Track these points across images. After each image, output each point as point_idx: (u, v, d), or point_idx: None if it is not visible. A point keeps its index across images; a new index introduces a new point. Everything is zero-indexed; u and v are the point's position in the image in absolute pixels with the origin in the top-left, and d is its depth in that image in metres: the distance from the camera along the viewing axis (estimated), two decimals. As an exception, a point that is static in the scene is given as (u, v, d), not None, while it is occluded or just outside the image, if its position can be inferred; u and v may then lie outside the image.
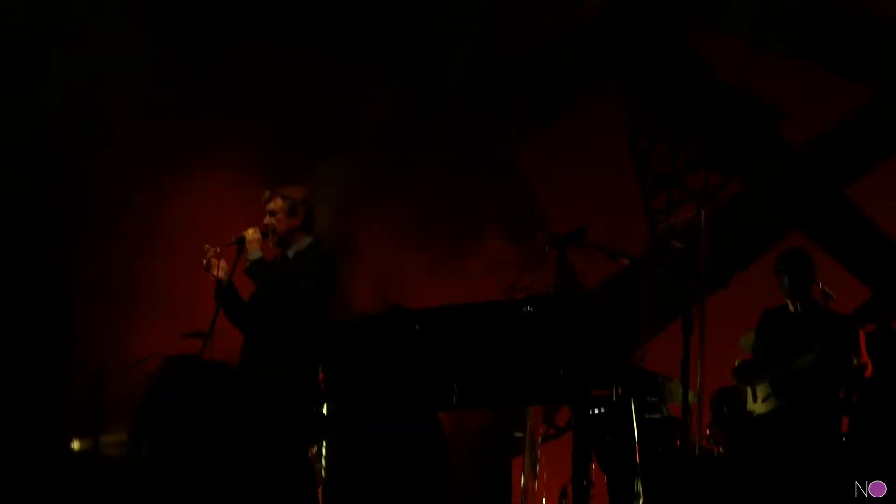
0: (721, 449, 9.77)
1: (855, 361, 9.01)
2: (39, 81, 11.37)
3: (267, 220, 8.27)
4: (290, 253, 8.27)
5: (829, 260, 11.42)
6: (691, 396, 8.45)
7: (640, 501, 8.22)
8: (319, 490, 9.39)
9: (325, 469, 8.84)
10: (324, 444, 9.42)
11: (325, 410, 8.40)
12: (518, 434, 11.12)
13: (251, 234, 8.18)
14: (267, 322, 8.13)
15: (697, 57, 12.50)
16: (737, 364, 9.61)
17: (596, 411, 8.78)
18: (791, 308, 9.31)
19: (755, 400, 9.26)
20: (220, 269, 8.16)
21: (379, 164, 12.38)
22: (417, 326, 7.94)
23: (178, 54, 11.87)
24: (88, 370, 11.21)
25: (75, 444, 11.46)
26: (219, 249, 8.18)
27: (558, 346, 7.65)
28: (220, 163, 11.39)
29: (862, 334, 9.12)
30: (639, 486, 8.27)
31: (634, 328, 11.17)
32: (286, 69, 12.07)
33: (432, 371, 7.89)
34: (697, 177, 12.42)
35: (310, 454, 8.40)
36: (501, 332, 7.86)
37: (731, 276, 11.86)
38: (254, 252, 8.15)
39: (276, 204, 8.26)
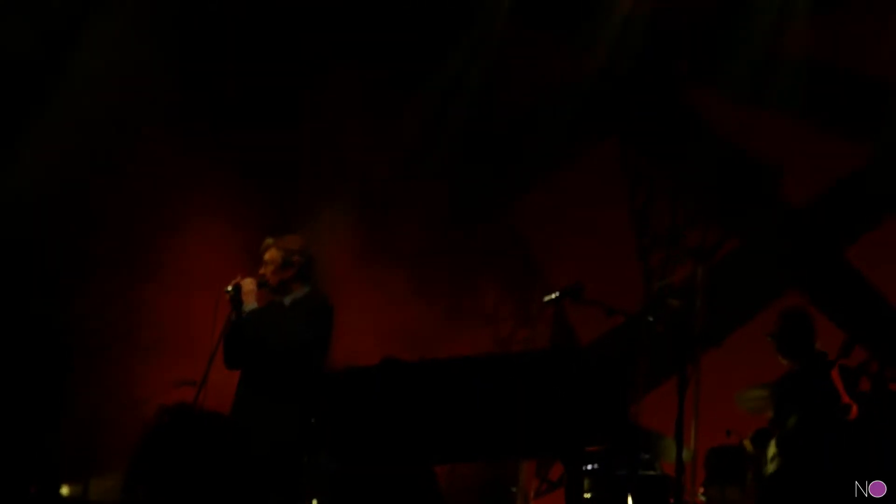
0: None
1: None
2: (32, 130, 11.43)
3: (262, 269, 8.29)
4: (287, 301, 8.28)
5: (825, 321, 11.43)
6: (685, 454, 8.42)
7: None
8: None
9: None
10: (317, 494, 9.38)
11: (319, 460, 8.37)
12: (511, 488, 11.08)
13: (247, 284, 8.19)
14: (262, 367, 8.12)
15: (696, 114, 12.55)
16: (755, 432, 9.57)
17: (589, 467, 8.75)
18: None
19: (765, 463, 9.21)
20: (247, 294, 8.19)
21: (375, 217, 12.41)
22: (411, 378, 7.93)
23: (180, 100, 11.91)
24: (82, 414, 11.19)
25: (65, 490, 11.40)
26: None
27: (553, 401, 7.63)
28: (223, 210, 11.41)
29: (836, 376, 9.02)
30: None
31: (629, 384, 11.13)
32: (290, 116, 12.14)
33: (427, 424, 7.87)
34: (695, 234, 12.44)
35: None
36: (496, 385, 7.84)
37: (726, 334, 11.85)
38: (249, 304, 8.16)
39: (272, 254, 8.28)
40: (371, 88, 12.31)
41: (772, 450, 9.07)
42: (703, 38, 12.47)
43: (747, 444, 9.47)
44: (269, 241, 8.34)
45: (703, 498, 9.81)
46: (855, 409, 8.85)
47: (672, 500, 8.98)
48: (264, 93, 12.35)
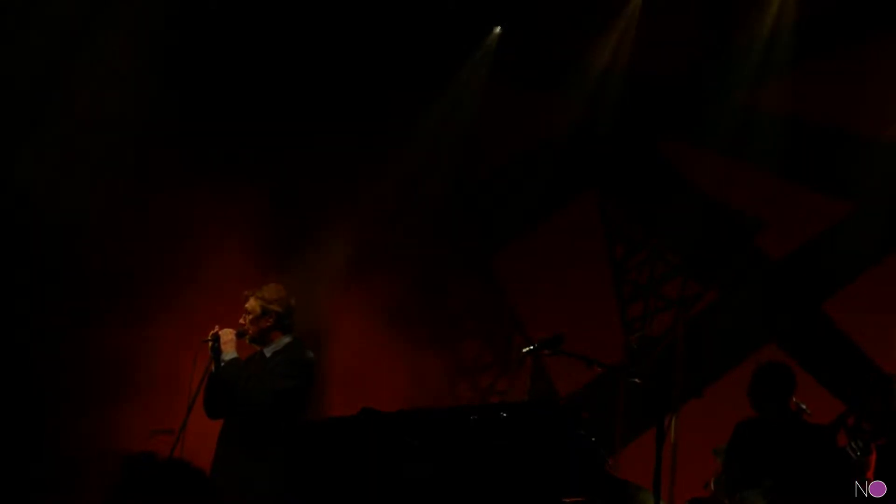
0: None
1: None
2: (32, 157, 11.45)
3: (242, 319, 8.33)
4: (268, 352, 8.30)
5: (804, 373, 11.47)
6: (663, 506, 8.41)
7: None
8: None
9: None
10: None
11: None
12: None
13: (225, 334, 8.22)
14: (242, 418, 8.12)
15: (675, 168, 12.61)
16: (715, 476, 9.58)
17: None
18: (765, 420, 9.30)
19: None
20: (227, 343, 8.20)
21: (357, 268, 12.43)
22: (389, 429, 7.93)
23: (181, 142, 11.96)
24: (59, 459, 11.15)
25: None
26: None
27: (530, 453, 7.64)
28: (215, 260, 11.44)
29: (874, 448, 9.06)
30: None
31: (608, 436, 11.15)
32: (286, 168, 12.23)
33: (404, 475, 7.87)
34: (674, 286, 12.48)
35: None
36: (474, 437, 7.85)
37: (705, 386, 11.87)
38: (228, 353, 8.18)
39: (251, 304, 8.33)
40: (352, 146, 12.38)
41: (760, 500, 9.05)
42: (682, 92, 12.55)
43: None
44: (249, 291, 8.39)
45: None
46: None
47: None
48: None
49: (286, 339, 8.32)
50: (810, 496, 8.88)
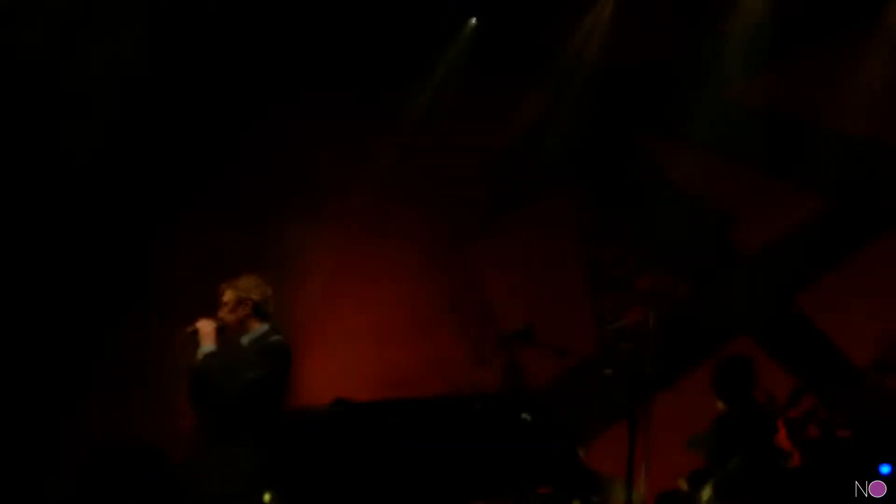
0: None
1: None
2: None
3: (220, 312, 8.34)
4: (245, 341, 8.31)
5: (775, 366, 11.54)
6: (635, 497, 8.46)
7: None
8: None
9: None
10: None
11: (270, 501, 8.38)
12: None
13: (205, 326, 8.23)
14: (218, 408, 8.14)
15: (650, 160, 12.64)
16: (690, 473, 9.68)
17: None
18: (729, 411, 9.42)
19: None
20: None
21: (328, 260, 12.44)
22: (361, 419, 7.96)
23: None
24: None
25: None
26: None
27: (504, 443, 7.68)
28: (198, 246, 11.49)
29: (780, 424, 9.16)
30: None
31: (580, 427, 11.18)
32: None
33: (377, 465, 7.89)
34: (646, 279, 12.50)
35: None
36: (447, 427, 7.88)
37: (678, 378, 11.90)
38: (206, 346, 8.19)
39: (227, 296, 8.35)
40: (325, 142, 12.41)
41: (707, 492, 9.16)
42: (658, 84, 12.57)
43: (682, 483, 9.56)
44: (225, 283, 8.42)
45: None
46: (797, 456, 8.95)
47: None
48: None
49: (263, 328, 8.33)
50: (752, 485, 8.99)
